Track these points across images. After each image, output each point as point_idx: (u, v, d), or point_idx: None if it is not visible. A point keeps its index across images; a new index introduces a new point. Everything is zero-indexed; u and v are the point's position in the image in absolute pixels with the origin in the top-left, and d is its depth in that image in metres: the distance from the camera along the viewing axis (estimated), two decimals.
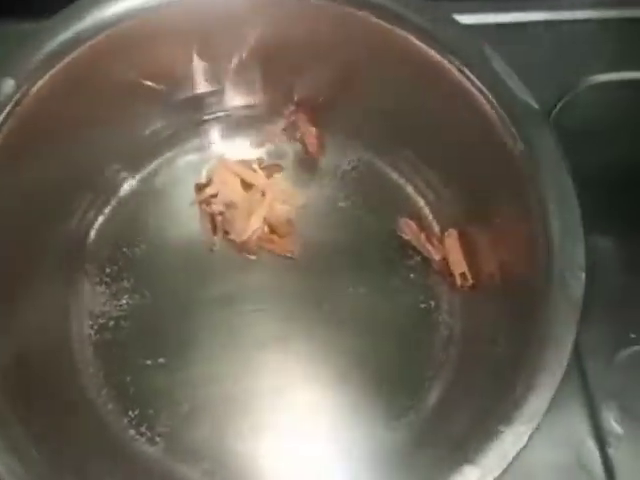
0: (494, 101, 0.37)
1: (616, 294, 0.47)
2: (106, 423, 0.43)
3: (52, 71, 0.36)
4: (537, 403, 0.32)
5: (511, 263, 0.41)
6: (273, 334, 0.45)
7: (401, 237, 0.47)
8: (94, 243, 0.47)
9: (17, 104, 0.36)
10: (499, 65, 0.37)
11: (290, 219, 0.47)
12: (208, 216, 0.47)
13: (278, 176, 0.48)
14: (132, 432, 0.42)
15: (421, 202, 0.48)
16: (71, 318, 0.45)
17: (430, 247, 0.46)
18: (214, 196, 0.47)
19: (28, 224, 0.42)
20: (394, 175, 0.49)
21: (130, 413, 0.43)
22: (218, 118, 0.49)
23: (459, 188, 0.45)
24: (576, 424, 0.43)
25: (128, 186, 0.48)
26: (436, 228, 0.48)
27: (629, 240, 0.49)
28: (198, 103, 0.48)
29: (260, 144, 0.49)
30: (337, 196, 0.48)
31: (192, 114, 0.48)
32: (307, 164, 0.49)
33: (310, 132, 0.48)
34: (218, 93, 0.48)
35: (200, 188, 0.47)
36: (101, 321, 0.45)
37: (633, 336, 0.46)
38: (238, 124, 0.49)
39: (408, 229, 0.46)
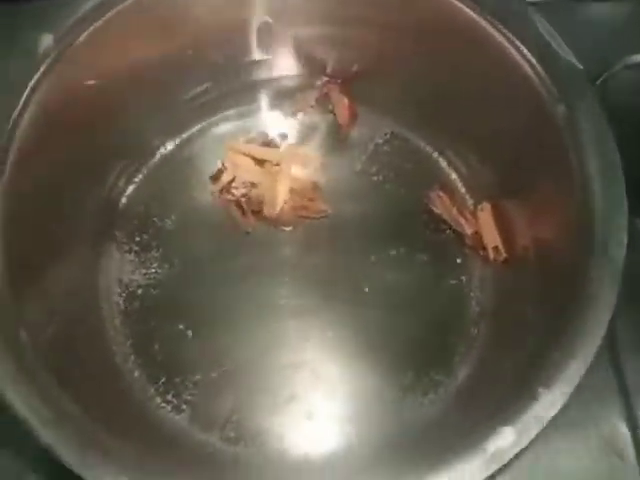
0: (536, 63, 0.36)
1: None
2: (133, 390, 0.42)
3: (91, 28, 0.36)
4: (575, 367, 0.31)
5: (548, 236, 0.40)
6: (300, 308, 0.44)
7: (433, 211, 0.46)
8: (125, 211, 0.47)
9: (56, 60, 0.35)
10: (543, 27, 0.36)
11: (314, 181, 0.47)
12: (233, 203, 0.47)
13: (287, 145, 0.48)
14: (158, 400, 0.42)
15: (454, 175, 0.48)
16: (101, 285, 0.45)
17: (462, 221, 0.45)
18: (231, 182, 0.47)
19: (60, 190, 0.41)
20: (427, 148, 0.48)
21: (157, 381, 0.43)
22: (252, 89, 0.49)
23: (494, 160, 0.45)
24: (609, 409, 0.43)
25: (160, 154, 0.48)
26: (469, 201, 0.47)
27: None
28: (232, 73, 0.48)
29: (293, 115, 0.49)
30: (369, 169, 0.48)
31: (226, 84, 0.48)
32: (339, 136, 0.49)
33: (342, 103, 0.48)
34: (253, 64, 0.47)
35: (216, 178, 0.47)
36: (130, 289, 0.45)
37: None
38: (273, 94, 0.49)
39: (440, 202, 0.46)
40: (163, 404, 0.42)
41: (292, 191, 0.47)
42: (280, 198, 0.46)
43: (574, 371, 0.31)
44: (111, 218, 0.46)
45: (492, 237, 0.44)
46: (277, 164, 0.47)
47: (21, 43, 0.35)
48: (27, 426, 0.31)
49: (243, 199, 0.46)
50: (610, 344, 0.43)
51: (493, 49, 0.38)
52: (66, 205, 0.42)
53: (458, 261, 0.46)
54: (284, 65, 0.48)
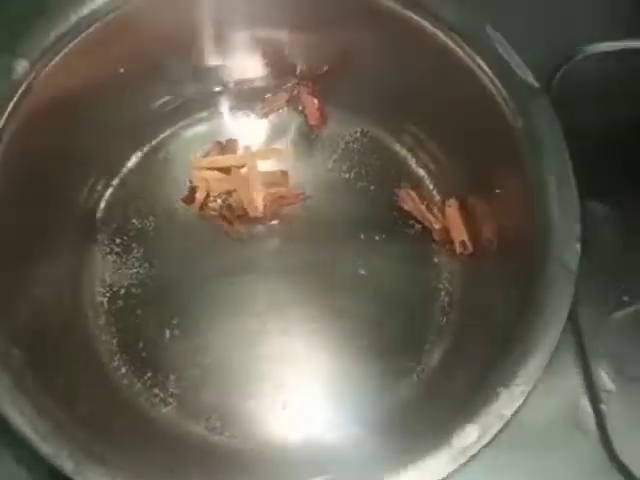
0: (495, 78, 0.38)
1: (611, 257, 0.48)
2: (120, 386, 0.44)
3: (64, 51, 0.38)
4: (533, 366, 0.34)
5: (509, 233, 0.42)
6: (278, 302, 0.47)
7: (402, 207, 0.48)
8: (104, 214, 0.48)
9: (30, 84, 0.37)
10: (501, 44, 0.38)
11: (282, 170, 0.49)
12: (217, 217, 0.48)
13: (243, 147, 0.49)
14: (145, 395, 0.44)
15: (422, 173, 0.50)
16: (84, 286, 0.46)
17: (430, 217, 0.47)
18: (207, 198, 0.48)
19: (42, 195, 0.43)
20: (396, 146, 0.50)
21: (143, 377, 0.45)
22: (222, 91, 0.50)
23: (460, 159, 0.47)
24: (571, 383, 0.45)
25: (136, 158, 0.49)
26: (437, 197, 0.49)
27: (625, 205, 0.50)
28: (203, 76, 0.49)
29: (264, 116, 0.50)
30: (339, 167, 0.50)
31: (197, 87, 0.49)
32: (310, 136, 0.50)
33: (312, 104, 0.49)
34: (222, 66, 0.48)
35: (190, 199, 0.48)
36: (113, 289, 0.47)
37: (626, 299, 0.48)
38: (242, 97, 0.50)
39: (409, 199, 0.48)
40: (150, 398, 0.44)
41: (266, 185, 0.48)
42: (259, 197, 0.47)
43: (532, 370, 0.34)
44: (92, 222, 0.48)
45: (459, 232, 0.46)
46: (242, 166, 0.48)
47: None
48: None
49: (224, 210, 0.48)
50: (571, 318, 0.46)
51: (455, 62, 0.40)
52: (47, 210, 0.44)
53: (427, 254, 0.48)
54: (250, 68, 0.49)
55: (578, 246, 0.35)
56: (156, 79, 0.46)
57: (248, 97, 0.50)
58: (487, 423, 0.33)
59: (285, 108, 0.50)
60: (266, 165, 0.49)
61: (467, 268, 0.47)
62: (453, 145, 0.47)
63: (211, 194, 0.48)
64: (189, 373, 0.45)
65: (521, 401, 0.33)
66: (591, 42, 0.55)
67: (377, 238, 0.48)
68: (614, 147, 0.51)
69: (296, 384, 0.45)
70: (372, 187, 0.49)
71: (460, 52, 0.39)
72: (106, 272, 0.47)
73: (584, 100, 0.53)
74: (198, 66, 0.48)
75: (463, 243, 0.46)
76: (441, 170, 0.49)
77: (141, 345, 0.45)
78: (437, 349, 0.46)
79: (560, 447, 0.44)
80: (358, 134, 0.50)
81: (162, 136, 0.50)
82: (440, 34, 0.40)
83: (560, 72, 0.54)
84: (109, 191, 0.49)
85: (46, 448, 0.33)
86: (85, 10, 0.38)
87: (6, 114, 0.37)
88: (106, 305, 0.46)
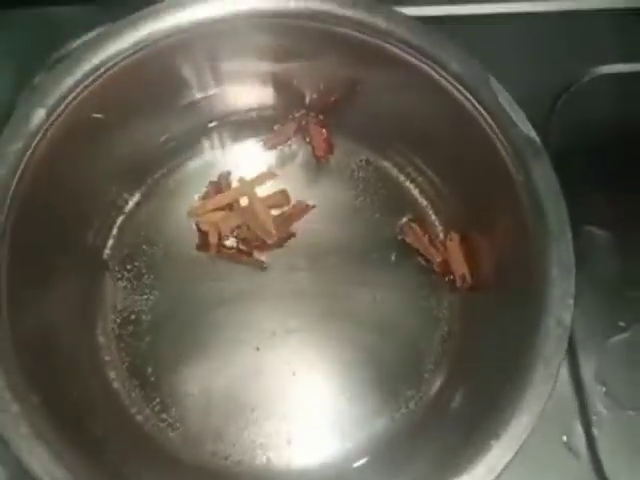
0: (498, 131, 0.39)
1: (608, 282, 0.50)
2: (129, 411, 0.46)
3: (79, 98, 0.39)
4: (524, 420, 0.35)
5: (508, 272, 0.43)
6: (281, 328, 0.48)
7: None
8: (116, 241, 0.49)
9: (46, 133, 0.38)
10: (505, 99, 0.38)
11: (280, 189, 0.50)
12: (235, 254, 0.49)
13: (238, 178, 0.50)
14: (154, 419, 0.46)
15: (425, 204, 0.50)
16: (95, 311, 0.48)
17: (432, 250, 0.48)
18: (220, 240, 0.49)
19: (55, 228, 0.44)
20: (400, 177, 0.51)
21: (152, 402, 0.46)
22: (231, 121, 0.51)
23: (461, 196, 0.48)
24: (564, 405, 0.47)
25: (146, 187, 0.50)
26: (438, 228, 0.50)
27: (623, 232, 0.51)
28: (210, 106, 0.49)
29: (272, 147, 0.51)
30: (344, 197, 0.51)
31: (205, 117, 0.50)
32: (316, 165, 0.51)
33: (320, 134, 0.50)
34: (230, 96, 0.49)
35: (204, 246, 0.49)
36: (124, 315, 0.48)
37: (622, 324, 0.49)
38: (250, 126, 0.51)
39: (411, 232, 0.49)
40: (158, 423, 0.46)
41: (270, 208, 0.50)
42: (269, 222, 0.48)
43: (524, 425, 0.35)
44: (103, 248, 0.49)
45: (459, 265, 0.48)
46: (240, 197, 0.49)
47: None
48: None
49: (241, 245, 0.49)
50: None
51: (459, 110, 0.41)
52: (63, 237, 0.45)
53: (428, 285, 0.49)
54: (262, 98, 0.50)
55: (572, 302, 0.36)
56: (159, 116, 0.47)
57: (256, 127, 0.51)
58: (478, 474, 0.35)
59: (293, 138, 0.51)
60: (264, 190, 0.50)
61: (466, 300, 0.48)
62: (454, 182, 0.48)
63: (222, 235, 0.49)
64: (196, 399, 0.46)
65: (511, 456, 0.35)
66: (599, 63, 0.55)
67: (380, 267, 0.49)
68: (614, 173, 0.52)
69: (299, 413, 0.47)
70: (376, 215, 0.50)
71: (465, 102, 0.40)
72: (117, 297, 0.48)
73: (589, 123, 0.54)
74: (203, 95, 0.48)
75: (463, 276, 0.48)
76: (444, 203, 0.50)
77: (150, 370, 0.47)
78: (436, 377, 0.47)
79: (551, 468, 0.46)
80: (363, 163, 0.51)
81: (168, 167, 0.51)
82: (445, 83, 0.40)
83: (566, 93, 0.55)
84: (120, 219, 0.50)
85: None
86: (97, 59, 0.39)
87: (25, 160, 0.38)
88: (117, 330, 0.48)
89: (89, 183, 0.46)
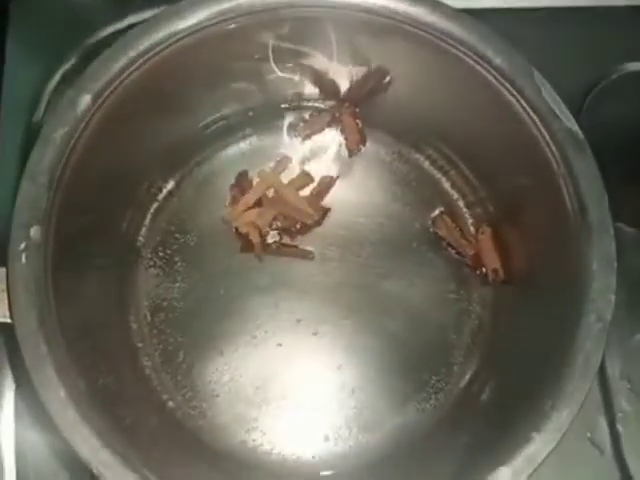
0: (540, 125, 0.39)
1: (635, 278, 0.49)
2: (162, 398, 0.47)
3: (125, 83, 0.39)
4: (565, 414, 0.35)
5: (544, 269, 0.43)
6: (312, 319, 0.48)
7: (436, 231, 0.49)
8: (148, 228, 0.50)
9: (91, 118, 0.38)
10: (547, 92, 0.39)
11: (302, 170, 0.50)
12: (281, 248, 0.50)
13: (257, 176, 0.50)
14: (184, 407, 0.47)
15: (457, 197, 0.51)
16: (128, 297, 0.48)
17: (464, 243, 0.49)
18: (263, 237, 0.49)
19: (98, 209, 0.44)
20: (432, 170, 0.51)
21: (183, 389, 0.47)
22: (264, 111, 0.51)
23: (494, 189, 0.48)
24: (589, 402, 0.45)
25: (180, 175, 0.50)
26: (469, 221, 0.50)
27: None
28: (244, 97, 0.49)
29: (305, 137, 0.51)
30: (376, 188, 0.51)
31: (238, 107, 0.50)
32: (348, 157, 0.51)
33: (353, 126, 0.50)
34: (264, 87, 0.49)
35: (248, 248, 0.49)
36: (156, 302, 0.48)
37: None
38: (284, 117, 0.51)
39: (443, 225, 0.49)
40: (189, 410, 0.46)
41: (298, 190, 0.50)
42: (302, 203, 0.49)
43: (564, 419, 0.35)
44: (136, 235, 0.49)
45: (491, 259, 0.48)
46: (267, 190, 0.50)
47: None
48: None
49: (284, 234, 0.49)
50: None
51: (500, 102, 0.41)
52: (97, 225, 0.45)
53: (459, 277, 0.49)
54: (297, 88, 0.50)
55: (613, 298, 0.37)
56: (200, 105, 0.47)
57: (286, 117, 0.51)
58: (519, 466, 0.35)
59: (326, 129, 0.51)
60: (287, 175, 0.51)
61: (499, 294, 0.48)
62: (490, 175, 0.48)
63: (263, 230, 0.49)
64: (227, 387, 0.47)
65: (552, 447, 0.35)
66: (627, 60, 0.55)
67: (411, 259, 0.49)
68: None
69: (328, 403, 0.47)
70: (408, 208, 0.50)
71: (507, 95, 0.40)
72: (149, 284, 0.49)
73: (618, 119, 0.54)
74: (241, 86, 0.49)
75: (495, 270, 0.48)
76: (476, 196, 0.50)
77: (181, 357, 0.47)
78: (466, 370, 0.47)
79: (575, 464, 0.46)
80: (395, 155, 0.51)
81: (203, 155, 0.51)
82: (488, 76, 0.40)
83: (596, 89, 0.55)
84: (154, 206, 0.50)
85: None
86: (143, 45, 0.39)
87: (71, 145, 0.38)
88: (149, 317, 0.48)
89: (129, 169, 0.46)
